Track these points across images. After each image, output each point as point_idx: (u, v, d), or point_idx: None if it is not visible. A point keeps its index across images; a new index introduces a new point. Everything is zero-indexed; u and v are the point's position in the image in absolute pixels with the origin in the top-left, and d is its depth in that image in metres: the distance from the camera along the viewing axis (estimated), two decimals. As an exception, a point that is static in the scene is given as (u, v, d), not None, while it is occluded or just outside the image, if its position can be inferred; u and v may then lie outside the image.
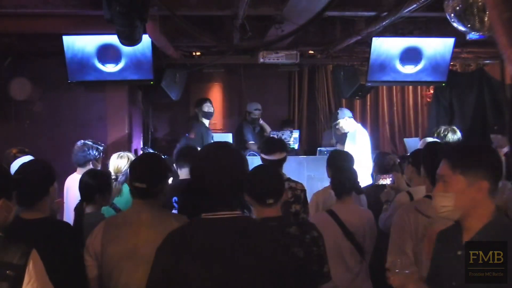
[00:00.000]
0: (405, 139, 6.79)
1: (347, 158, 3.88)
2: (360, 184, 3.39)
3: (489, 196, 1.78)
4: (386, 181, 4.13)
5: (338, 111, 6.09)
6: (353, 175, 3.29)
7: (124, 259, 2.25)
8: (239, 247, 1.68)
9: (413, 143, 5.98)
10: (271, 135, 6.34)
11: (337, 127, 5.94)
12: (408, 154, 4.40)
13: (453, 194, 1.78)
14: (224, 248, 1.67)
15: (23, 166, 2.55)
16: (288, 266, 1.72)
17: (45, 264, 1.81)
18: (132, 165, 2.49)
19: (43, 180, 2.44)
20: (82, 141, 4.01)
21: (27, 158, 3.60)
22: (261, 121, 6.85)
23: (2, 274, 1.68)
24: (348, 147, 5.64)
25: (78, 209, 3.36)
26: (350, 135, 5.88)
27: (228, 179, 1.76)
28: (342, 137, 6.78)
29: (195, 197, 1.81)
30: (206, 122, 6.37)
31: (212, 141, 5.90)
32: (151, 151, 6.14)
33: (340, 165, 3.52)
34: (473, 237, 1.79)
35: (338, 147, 6.46)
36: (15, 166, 3.41)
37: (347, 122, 5.85)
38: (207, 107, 6.33)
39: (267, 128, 6.81)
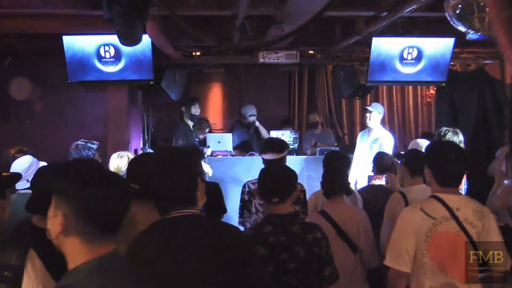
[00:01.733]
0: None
1: (341, 158, 3.89)
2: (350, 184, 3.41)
3: (84, 242, 1.34)
4: (381, 181, 4.16)
5: (375, 103, 5.97)
6: (342, 175, 3.29)
7: None
8: (194, 241, 1.78)
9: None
10: (270, 136, 6.33)
11: (366, 113, 5.76)
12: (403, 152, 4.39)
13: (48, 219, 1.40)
14: (182, 243, 1.77)
15: (39, 170, 2.45)
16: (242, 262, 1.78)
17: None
18: (129, 165, 2.47)
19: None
20: (75, 143, 4.00)
21: (26, 157, 3.58)
22: (257, 124, 6.79)
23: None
24: (374, 150, 5.35)
25: None
26: (372, 138, 5.67)
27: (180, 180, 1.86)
28: (321, 137, 6.80)
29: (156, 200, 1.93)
30: (190, 123, 6.34)
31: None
32: (151, 151, 6.14)
33: (330, 166, 3.52)
34: None
35: (318, 146, 6.48)
36: (15, 165, 3.40)
37: (375, 116, 5.64)
38: (194, 109, 6.31)
39: (263, 132, 6.70)
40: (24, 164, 3.38)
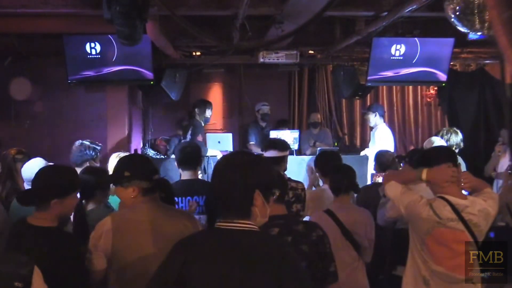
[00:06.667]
0: None
1: (338, 157, 3.90)
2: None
3: None
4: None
5: (374, 104, 6.29)
6: (351, 174, 3.29)
7: (139, 261, 2.23)
8: (243, 261, 1.59)
9: None
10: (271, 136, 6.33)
11: (365, 117, 6.19)
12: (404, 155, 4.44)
13: None
14: (227, 259, 1.59)
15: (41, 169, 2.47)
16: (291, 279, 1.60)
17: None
18: (126, 166, 2.41)
19: (48, 188, 2.30)
20: (80, 141, 4.00)
21: (37, 160, 3.54)
22: None
23: (11, 286, 1.60)
24: (370, 145, 5.93)
25: (78, 207, 3.34)
26: (371, 134, 6.07)
27: (234, 186, 1.63)
28: (319, 137, 6.83)
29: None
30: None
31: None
32: (152, 151, 6.15)
33: (337, 164, 3.52)
34: None
35: (317, 146, 6.50)
36: (28, 168, 3.38)
37: (374, 118, 6.02)
38: (208, 112, 6.30)
39: None
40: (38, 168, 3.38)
